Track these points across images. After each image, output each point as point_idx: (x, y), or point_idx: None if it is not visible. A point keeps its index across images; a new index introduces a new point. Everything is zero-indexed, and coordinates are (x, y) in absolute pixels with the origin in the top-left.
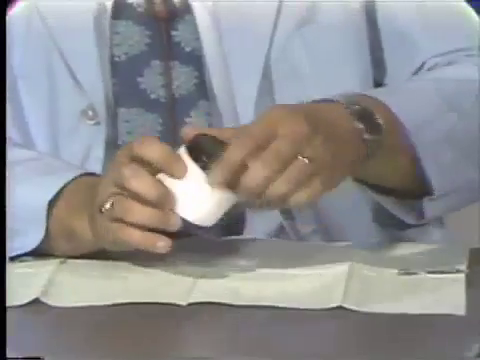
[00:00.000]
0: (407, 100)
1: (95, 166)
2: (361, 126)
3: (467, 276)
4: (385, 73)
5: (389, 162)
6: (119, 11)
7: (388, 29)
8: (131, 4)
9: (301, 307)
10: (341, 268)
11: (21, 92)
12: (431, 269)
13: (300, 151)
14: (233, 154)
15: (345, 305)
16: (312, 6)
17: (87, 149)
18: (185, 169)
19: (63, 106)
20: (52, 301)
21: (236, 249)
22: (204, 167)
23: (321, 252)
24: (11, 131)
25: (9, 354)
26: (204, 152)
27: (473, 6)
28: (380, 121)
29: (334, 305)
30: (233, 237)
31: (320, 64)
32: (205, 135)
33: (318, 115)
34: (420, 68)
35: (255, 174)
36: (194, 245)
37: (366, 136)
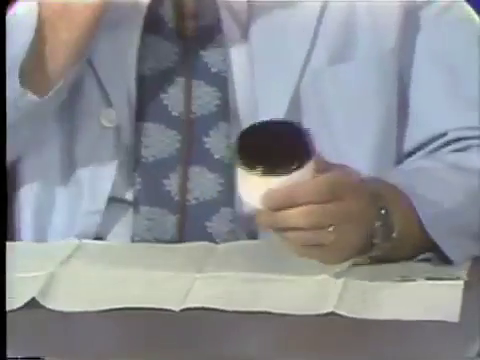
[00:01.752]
0: (429, 191)
1: (110, 178)
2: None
3: (467, 283)
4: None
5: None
6: (150, 25)
7: (418, 91)
8: (162, 18)
9: (295, 313)
10: (337, 273)
11: None
12: (430, 276)
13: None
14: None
15: (338, 311)
16: (348, 43)
17: (104, 160)
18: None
19: (85, 122)
20: (52, 305)
21: (232, 254)
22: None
23: None
24: None
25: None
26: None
27: (473, 6)
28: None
29: (327, 311)
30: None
31: (348, 100)
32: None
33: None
34: (440, 137)
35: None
36: (191, 251)
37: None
